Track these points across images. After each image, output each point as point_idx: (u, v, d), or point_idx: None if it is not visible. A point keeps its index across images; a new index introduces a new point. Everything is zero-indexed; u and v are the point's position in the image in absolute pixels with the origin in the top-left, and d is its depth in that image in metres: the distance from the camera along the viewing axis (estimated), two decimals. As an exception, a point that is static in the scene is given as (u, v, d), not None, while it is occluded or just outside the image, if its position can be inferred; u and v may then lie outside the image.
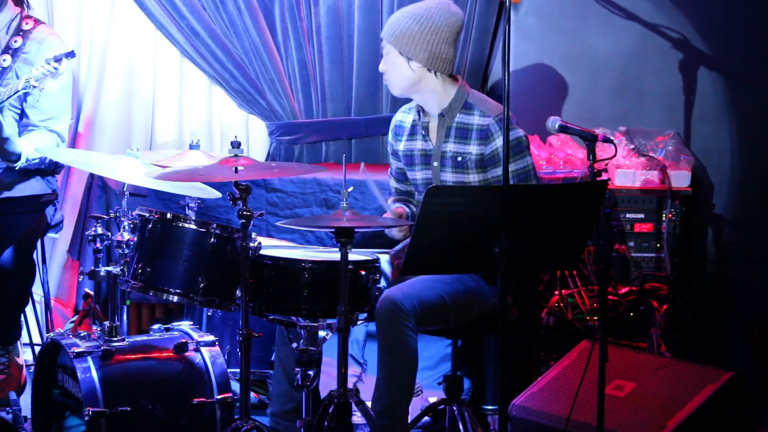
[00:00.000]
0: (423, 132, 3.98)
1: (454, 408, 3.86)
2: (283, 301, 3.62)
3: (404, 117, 4.09)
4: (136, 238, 3.79)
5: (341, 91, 5.24)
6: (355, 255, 3.68)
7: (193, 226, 3.69)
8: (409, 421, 3.80)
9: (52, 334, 3.97)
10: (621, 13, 4.98)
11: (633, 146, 4.76)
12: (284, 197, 4.88)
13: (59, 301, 5.20)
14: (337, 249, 3.44)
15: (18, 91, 4.13)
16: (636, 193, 4.65)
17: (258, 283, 3.61)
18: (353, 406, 3.50)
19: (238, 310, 3.56)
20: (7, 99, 4.18)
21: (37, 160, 4.35)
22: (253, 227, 3.59)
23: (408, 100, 4.08)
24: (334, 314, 3.45)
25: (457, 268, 3.50)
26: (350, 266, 3.49)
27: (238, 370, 3.73)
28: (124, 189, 3.97)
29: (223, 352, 4.10)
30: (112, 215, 3.95)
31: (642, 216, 4.65)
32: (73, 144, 5.19)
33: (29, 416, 3.99)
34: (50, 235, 4.64)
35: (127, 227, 3.87)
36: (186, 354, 3.80)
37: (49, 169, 4.44)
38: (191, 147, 4.54)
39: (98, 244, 3.93)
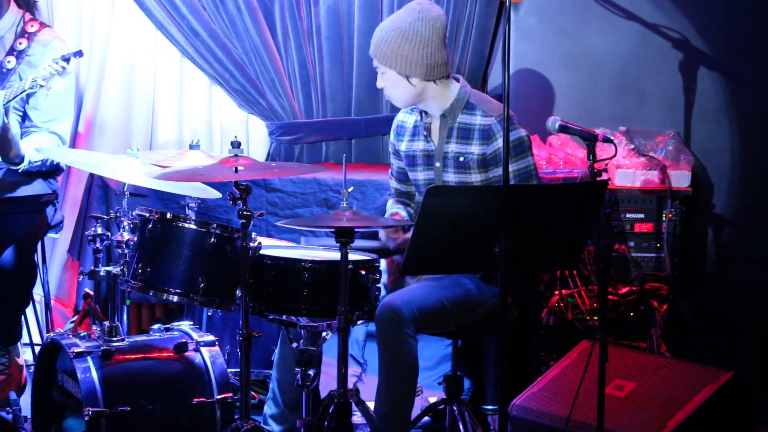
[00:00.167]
0: (425, 133, 3.98)
1: (454, 408, 3.87)
2: (283, 301, 3.61)
3: (406, 117, 4.09)
4: (136, 238, 3.79)
5: (341, 91, 5.24)
6: (355, 255, 3.69)
7: (193, 226, 3.69)
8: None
9: (52, 334, 3.97)
10: (621, 13, 4.98)
11: (633, 146, 4.76)
12: (284, 197, 4.88)
13: (59, 301, 5.20)
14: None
15: (25, 90, 4.12)
16: (636, 193, 4.65)
17: (258, 283, 3.61)
18: (353, 406, 3.50)
19: (238, 310, 3.56)
20: (14, 98, 4.17)
21: (39, 163, 4.34)
22: (253, 227, 3.59)
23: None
24: (334, 314, 3.45)
25: (457, 268, 3.50)
26: (350, 266, 3.49)
27: (238, 370, 3.73)
28: (124, 189, 3.97)
29: (223, 352, 4.10)
30: (112, 215, 3.95)
31: (642, 216, 4.65)
32: (73, 144, 5.18)
33: (29, 416, 3.99)
34: (50, 235, 4.63)
35: (127, 227, 3.87)
36: (186, 354, 3.80)
37: (50, 171, 4.44)
38: (191, 147, 4.53)
39: (98, 244, 3.93)
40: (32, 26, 4.45)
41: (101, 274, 3.88)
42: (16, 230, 4.34)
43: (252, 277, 3.56)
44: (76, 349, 3.67)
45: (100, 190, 4.86)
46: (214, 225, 3.67)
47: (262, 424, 3.91)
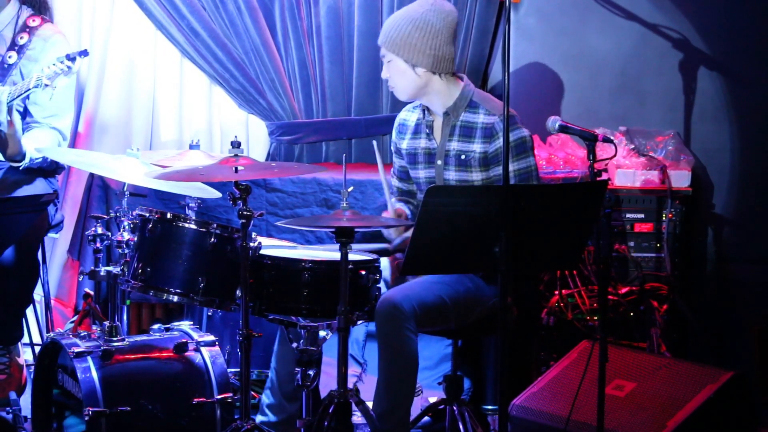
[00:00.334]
0: (427, 131, 3.99)
1: (454, 408, 3.87)
2: (283, 301, 3.62)
3: (408, 115, 4.10)
4: (136, 238, 3.79)
5: (341, 91, 5.24)
6: (355, 255, 3.69)
7: (193, 226, 3.69)
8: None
9: (52, 334, 3.97)
10: (621, 13, 4.98)
11: (633, 146, 4.76)
12: (284, 197, 4.88)
13: (59, 301, 5.20)
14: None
15: (30, 89, 4.12)
16: (636, 193, 4.65)
17: (258, 283, 3.61)
18: (353, 406, 3.50)
19: (238, 310, 3.56)
20: (18, 97, 4.16)
21: (39, 159, 4.35)
22: (253, 227, 3.59)
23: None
24: (334, 314, 3.45)
25: (457, 268, 3.50)
26: (350, 266, 3.49)
27: (238, 370, 3.73)
28: (125, 189, 3.97)
29: (223, 352, 4.10)
30: (112, 215, 3.95)
31: (642, 216, 4.65)
32: (73, 144, 5.19)
33: (29, 416, 3.99)
34: (50, 235, 4.63)
35: (127, 227, 3.87)
36: (186, 354, 3.80)
37: (50, 168, 4.44)
38: (191, 147, 4.54)
39: (98, 244, 3.93)
40: (34, 21, 4.46)
41: (101, 274, 3.88)
42: (17, 230, 4.34)
43: (252, 277, 3.57)
44: (76, 349, 3.67)
45: (100, 189, 4.86)
46: (214, 225, 3.67)
47: (258, 414, 3.93)
